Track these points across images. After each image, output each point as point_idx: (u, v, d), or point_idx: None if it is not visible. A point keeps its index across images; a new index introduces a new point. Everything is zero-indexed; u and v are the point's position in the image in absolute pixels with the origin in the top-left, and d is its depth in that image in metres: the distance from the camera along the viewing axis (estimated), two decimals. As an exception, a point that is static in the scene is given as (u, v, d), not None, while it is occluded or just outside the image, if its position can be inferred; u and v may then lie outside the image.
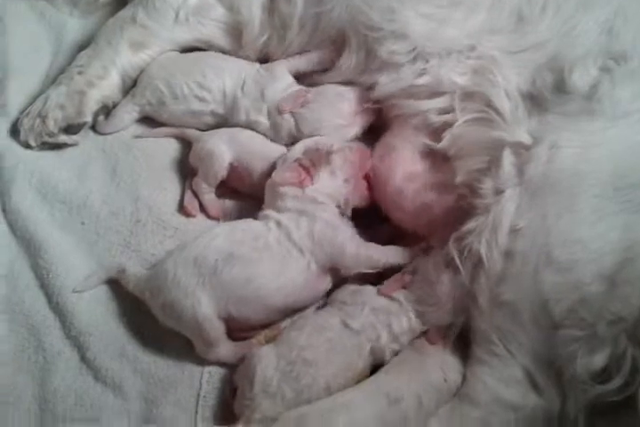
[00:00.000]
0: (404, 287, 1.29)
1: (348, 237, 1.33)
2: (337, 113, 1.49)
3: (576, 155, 1.20)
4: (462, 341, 1.27)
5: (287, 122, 1.51)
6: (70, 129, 1.56)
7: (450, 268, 1.25)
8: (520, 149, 1.24)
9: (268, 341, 1.29)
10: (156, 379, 1.31)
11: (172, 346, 1.33)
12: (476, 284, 1.22)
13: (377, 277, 1.35)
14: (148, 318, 1.33)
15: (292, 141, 1.49)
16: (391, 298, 1.29)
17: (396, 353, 1.27)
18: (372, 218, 1.43)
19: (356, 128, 1.50)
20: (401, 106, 1.42)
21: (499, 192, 1.23)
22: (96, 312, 1.37)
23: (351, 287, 1.33)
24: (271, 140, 1.53)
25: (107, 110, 1.61)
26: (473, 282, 1.23)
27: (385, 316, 1.26)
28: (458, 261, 1.24)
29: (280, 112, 1.51)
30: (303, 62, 1.57)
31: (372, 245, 1.35)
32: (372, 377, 1.24)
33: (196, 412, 1.28)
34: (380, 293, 1.29)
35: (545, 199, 1.19)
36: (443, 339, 1.26)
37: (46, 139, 1.55)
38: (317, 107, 1.50)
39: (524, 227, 1.19)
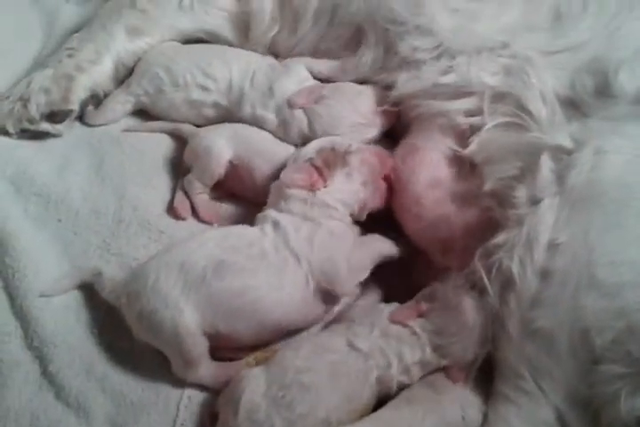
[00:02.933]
0: (419, 316, 1.15)
1: (344, 256, 1.19)
2: (356, 110, 1.37)
3: (625, 163, 1.10)
4: (484, 373, 1.13)
5: (298, 119, 1.38)
6: (54, 117, 1.46)
7: (475, 289, 1.13)
8: (560, 154, 1.14)
9: (259, 363, 1.14)
10: (127, 402, 1.17)
11: (147, 364, 1.20)
12: (505, 307, 1.10)
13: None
14: (122, 330, 1.20)
15: (302, 142, 1.36)
16: (404, 325, 1.14)
17: (402, 387, 1.13)
18: (382, 225, 1.30)
19: (375, 129, 1.38)
20: (423, 106, 1.32)
21: (535, 202, 1.12)
22: (64, 321, 1.24)
23: (360, 303, 1.21)
24: (279, 139, 1.40)
25: (97, 100, 1.52)
26: (501, 305, 1.11)
27: (396, 342, 1.12)
28: (485, 279, 1.12)
29: (291, 107, 1.38)
30: (324, 66, 1.45)
31: (360, 258, 1.21)
32: (378, 412, 1.10)
33: (171, 441, 1.14)
34: (391, 319, 1.15)
35: (588, 212, 1.08)
36: (466, 376, 1.13)
37: (26, 125, 1.44)
38: (334, 103, 1.38)
39: (564, 242, 1.08)
